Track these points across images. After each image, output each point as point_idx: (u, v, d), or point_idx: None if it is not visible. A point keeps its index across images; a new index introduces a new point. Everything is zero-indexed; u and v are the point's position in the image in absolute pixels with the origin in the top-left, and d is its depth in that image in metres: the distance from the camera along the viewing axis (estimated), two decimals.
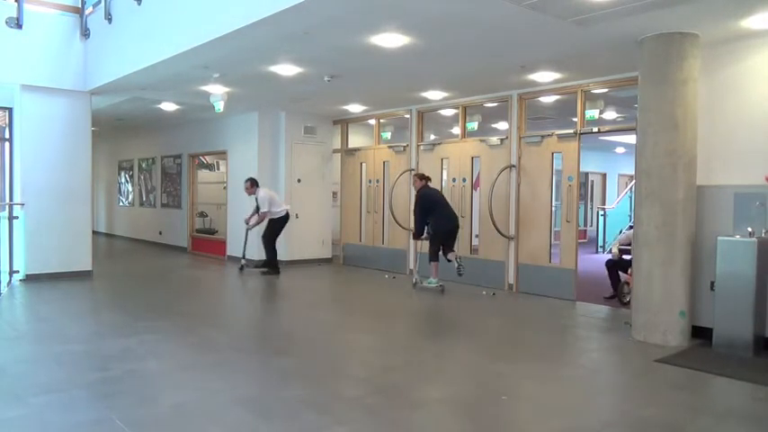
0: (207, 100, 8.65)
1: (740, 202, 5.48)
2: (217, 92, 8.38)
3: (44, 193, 8.72)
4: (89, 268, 9.13)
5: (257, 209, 9.68)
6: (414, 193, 8.62)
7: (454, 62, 6.88)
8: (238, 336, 5.94)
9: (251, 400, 3.98)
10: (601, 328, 6.22)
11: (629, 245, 6.94)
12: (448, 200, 8.57)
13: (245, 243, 10.11)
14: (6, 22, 8.22)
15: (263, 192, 9.68)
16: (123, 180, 16.69)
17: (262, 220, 9.65)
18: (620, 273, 7.51)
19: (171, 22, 6.90)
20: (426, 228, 8.19)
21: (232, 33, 5.76)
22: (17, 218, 8.59)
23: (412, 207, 8.71)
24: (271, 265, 9.67)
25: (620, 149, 17.56)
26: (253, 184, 9.72)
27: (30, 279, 8.59)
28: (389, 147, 10.45)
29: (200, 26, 6.22)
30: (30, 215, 8.64)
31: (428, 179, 8.44)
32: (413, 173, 9.14)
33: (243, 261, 10.09)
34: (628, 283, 7.03)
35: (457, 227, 8.25)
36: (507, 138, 8.46)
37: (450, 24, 5.41)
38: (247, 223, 9.87)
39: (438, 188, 9.61)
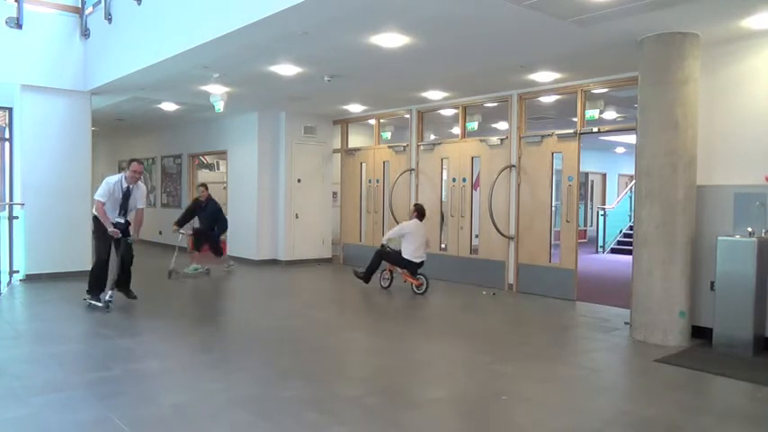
0: (207, 100, 8.65)
1: (740, 202, 5.48)
2: (217, 92, 8.38)
3: (44, 193, 8.72)
4: (89, 268, 9.08)
5: (123, 208, 6.73)
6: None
7: (454, 62, 6.87)
8: (238, 335, 5.94)
9: (251, 400, 3.98)
10: (601, 328, 6.22)
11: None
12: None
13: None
14: (6, 22, 8.22)
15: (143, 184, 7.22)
16: None
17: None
18: (384, 262, 8.43)
19: (171, 22, 6.90)
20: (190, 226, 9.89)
21: (232, 33, 5.76)
22: (17, 218, 8.59)
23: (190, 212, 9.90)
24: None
25: (620, 149, 17.57)
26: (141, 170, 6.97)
27: (30, 279, 8.59)
28: (389, 147, 10.45)
29: (200, 26, 6.22)
30: (29, 215, 8.64)
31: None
32: (200, 186, 9.94)
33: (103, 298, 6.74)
34: (391, 271, 8.51)
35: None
36: (507, 138, 8.46)
37: (451, 24, 5.41)
38: (129, 233, 6.91)
39: (438, 188, 9.66)
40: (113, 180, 6.72)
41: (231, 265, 10.21)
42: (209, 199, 9.75)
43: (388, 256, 8.35)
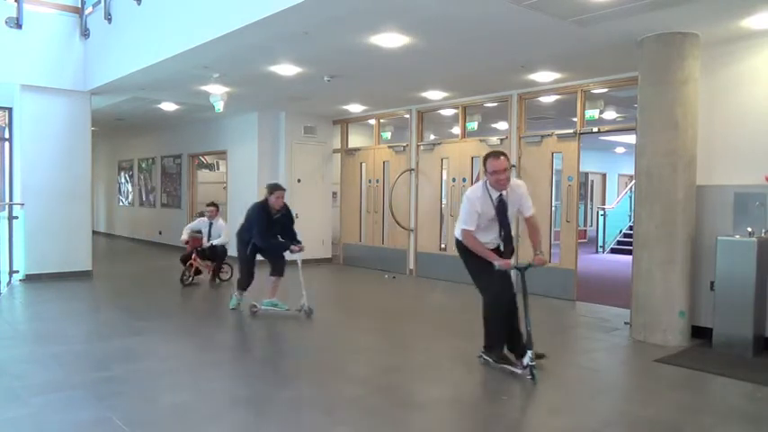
0: (207, 100, 8.65)
1: (740, 202, 5.48)
2: (217, 92, 8.37)
3: (44, 193, 8.72)
4: (89, 268, 9.13)
5: (503, 225, 4.65)
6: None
7: (454, 62, 6.87)
8: (238, 336, 5.93)
9: (251, 400, 3.98)
10: (601, 328, 6.22)
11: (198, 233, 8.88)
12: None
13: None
14: (6, 22, 8.22)
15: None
16: (123, 180, 16.70)
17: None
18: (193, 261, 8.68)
19: (171, 22, 6.90)
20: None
21: (232, 33, 5.76)
22: (17, 218, 8.59)
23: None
24: None
25: (620, 149, 17.57)
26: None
27: (30, 279, 8.59)
28: (389, 147, 10.45)
29: (200, 26, 6.22)
30: (29, 215, 8.64)
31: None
32: (278, 187, 6.67)
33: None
34: (191, 266, 8.64)
35: None
36: (507, 138, 8.46)
37: (451, 24, 5.41)
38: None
39: (438, 188, 9.64)
40: (476, 194, 4.51)
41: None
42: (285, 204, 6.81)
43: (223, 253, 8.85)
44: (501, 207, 4.51)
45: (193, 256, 8.61)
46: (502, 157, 4.45)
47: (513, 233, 4.75)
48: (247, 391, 4.18)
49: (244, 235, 6.71)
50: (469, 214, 4.49)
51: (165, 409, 3.80)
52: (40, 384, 4.20)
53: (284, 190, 6.74)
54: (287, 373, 4.62)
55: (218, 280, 8.91)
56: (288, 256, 6.80)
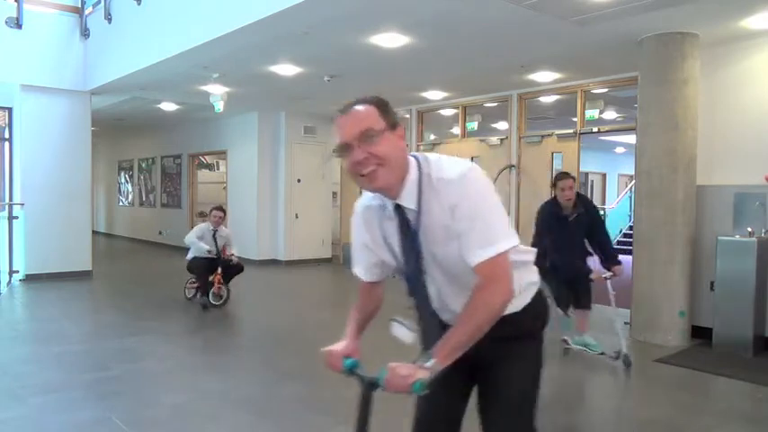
0: (207, 100, 8.65)
1: (740, 202, 5.48)
2: (217, 92, 8.37)
3: (44, 193, 8.72)
4: (89, 268, 9.13)
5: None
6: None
7: (454, 62, 6.87)
8: (238, 336, 5.94)
9: (251, 400, 3.98)
10: (600, 328, 6.21)
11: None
12: None
13: None
14: (6, 22, 8.22)
15: None
16: (123, 180, 16.70)
17: None
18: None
19: (171, 22, 6.90)
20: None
21: (232, 33, 5.76)
22: (17, 218, 8.60)
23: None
24: None
25: (620, 149, 17.55)
26: None
27: (29, 279, 8.59)
28: None
29: (200, 26, 6.22)
30: (29, 215, 8.64)
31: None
32: (565, 176, 4.98)
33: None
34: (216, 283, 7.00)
35: None
36: (507, 138, 8.46)
37: (451, 24, 5.41)
38: None
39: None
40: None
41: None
42: (583, 198, 5.16)
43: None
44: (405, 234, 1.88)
45: (219, 271, 6.98)
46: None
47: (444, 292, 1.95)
48: (247, 391, 4.17)
49: (537, 243, 4.93)
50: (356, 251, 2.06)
51: (164, 409, 3.80)
52: (40, 384, 4.20)
53: (572, 178, 4.87)
54: (287, 373, 4.62)
55: (220, 297, 7.12)
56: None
